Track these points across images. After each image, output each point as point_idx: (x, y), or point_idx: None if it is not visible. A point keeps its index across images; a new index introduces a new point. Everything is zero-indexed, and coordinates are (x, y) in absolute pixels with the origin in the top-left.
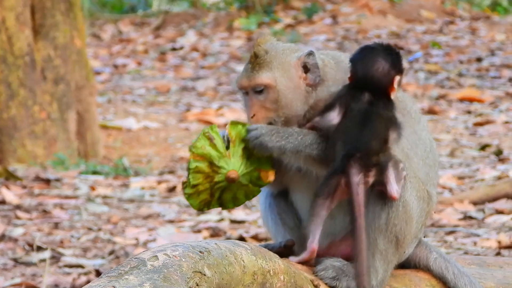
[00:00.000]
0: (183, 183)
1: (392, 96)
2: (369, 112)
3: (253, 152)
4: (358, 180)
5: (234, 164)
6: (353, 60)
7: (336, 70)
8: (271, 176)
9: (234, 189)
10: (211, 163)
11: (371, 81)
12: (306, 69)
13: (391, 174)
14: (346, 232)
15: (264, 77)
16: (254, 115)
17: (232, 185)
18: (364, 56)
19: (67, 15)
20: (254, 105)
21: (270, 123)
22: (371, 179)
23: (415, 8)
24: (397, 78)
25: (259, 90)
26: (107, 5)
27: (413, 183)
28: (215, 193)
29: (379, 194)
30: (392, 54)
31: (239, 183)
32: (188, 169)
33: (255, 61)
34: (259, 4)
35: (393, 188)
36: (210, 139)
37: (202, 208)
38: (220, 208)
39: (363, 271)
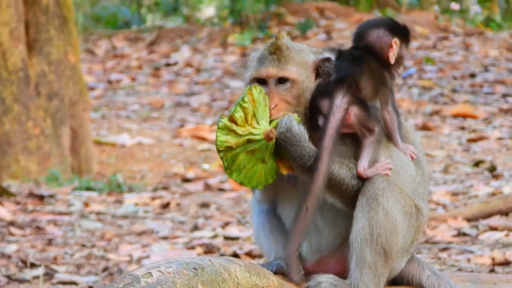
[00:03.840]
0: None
1: (391, 59)
2: (363, 57)
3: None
4: (340, 103)
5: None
6: (357, 27)
7: None
8: (287, 169)
9: (259, 164)
10: (252, 115)
11: (369, 42)
12: (317, 72)
13: (365, 150)
14: (333, 248)
15: (292, 71)
16: (275, 106)
17: (259, 154)
18: (365, 21)
19: (61, 30)
20: (276, 97)
21: None
22: (352, 114)
23: (409, 23)
24: (396, 40)
25: (284, 82)
26: (101, 21)
27: (397, 197)
28: (258, 159)
29: (361, 204)
30: (393, 21)
31: (265, 155)
32: (240, 100)
33: (280, 54)
34: (253, 20)
35: (361, 164)
36: (228, 129)
37: (253, 182)
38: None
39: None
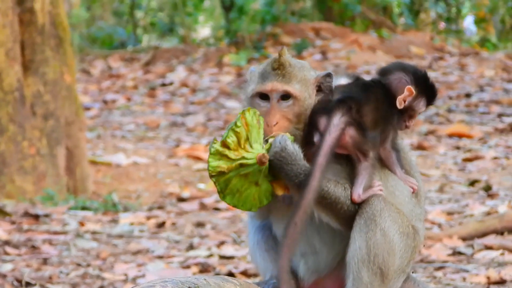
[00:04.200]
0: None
1: (398, 102)
2: (373, 87)
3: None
4: (337, 122)
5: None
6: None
7: None
8: (282, 190)
9: (253, 187)
10: (245, 139)
11: (389, 79)
12: (319, 88)
13: (360, 176)
14: (332, 268)
15: (296, 87)
16: (277, 123)
17: (252, 178)
18: (399, 62)
19: (57, 50)
20: (277, 113)
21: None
22: (348, 135)
23: (405, 44)
24: (411, 88)
25: (287, 98)
26: (97, 41)
27: (394, 217)
28: (250, 181)
29: (358, 225)
30: (423, 74)
31: (258, 178)
32: (233, 125)
33: (284, 70)
34: (249, 40)
35: (356, 190)
36: (220, 154)
37: (245, 205)
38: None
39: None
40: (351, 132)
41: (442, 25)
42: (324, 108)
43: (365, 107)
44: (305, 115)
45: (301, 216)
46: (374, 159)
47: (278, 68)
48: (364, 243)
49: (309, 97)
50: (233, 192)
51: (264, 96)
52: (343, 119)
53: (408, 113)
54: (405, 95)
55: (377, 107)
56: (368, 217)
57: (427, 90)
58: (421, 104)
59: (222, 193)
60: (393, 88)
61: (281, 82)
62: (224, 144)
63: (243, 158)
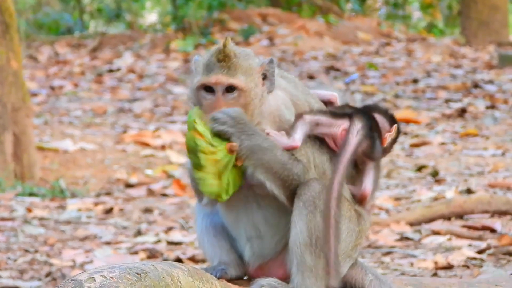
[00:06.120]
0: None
1: (384, 142)
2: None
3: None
4: (357, 131)
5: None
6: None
7: (287, 82)
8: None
9: (233, 170)
10: (208, 143)
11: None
12: (264, 76)
13: (369, 173)
14: (276, 252)
15: (241, 80)
16: None
17: (231, 165)
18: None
19: (3, 36)
20: (222, 106)
21: None
22: (363, 145)
23: (352, 30)
24: (396, 128)
25: (232, 90)
26: (43, 27)
27: None
28: (221, 174)
29: (298, 208)
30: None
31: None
32: (195, 151)
33: (229, 62)
34: (196, 26)
35: (367, 185)
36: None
37: (212, 192)
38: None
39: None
40: (364, 143)
41: (381, 10)
42: (341, 114)
43: (374, 124)
44: (252, 105)
45: (332, 218)
46: (379, 160)
47: (224, 60)
48: (304, 226)
49: (255, 87)
50: (231, 184)
51: (209, 89)
52: (360, 129)
53: (384, 151)
54: (392, 134)
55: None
56: (306, 199)
57: (398, 130)
58: (392, 142)
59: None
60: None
61: (226, 75)
62: (202, 167)
63: (218, 161)
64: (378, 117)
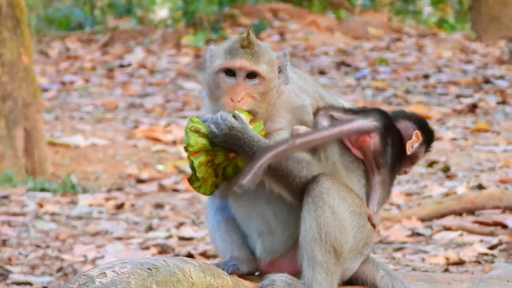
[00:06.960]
0: (189, 179)
1: (408, 150)
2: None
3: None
4: (369, 123)
5: None
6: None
7: (298, 76)
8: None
9: (233, 161)
10: (208, 151)
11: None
12: (279, 69)
13: (374, 192)
14: (286, 248)
15: (263, 68)
16: (242, 99)
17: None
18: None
19: (14, 32)
20: (243, 90)
21: (250, 111)
22: (372, 141)
23: (362, 25)
24: (418, 133)
25: (253, 77)
26: (54, 22)
27: (343, 195)
28: (219, 172)
29: (307, 204)
30: (420, 119)
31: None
32: (192, 167)
33: (252, 49)
34: (207, 21)
35: (371, 205)
36: (197, 131)
37: (213, 191)
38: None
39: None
40: (376, 139)
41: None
42: (359, 111)
43: (391, 135)
44: (270, 95)
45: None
46: (386, 174)
47: (248, 47)
48: (314, 221)
49: (274, 78)
50: (231, 174)
51: (230, 72)
52: (375, 123)
53: (411, 159)
54: (414, 140)
55: (393, 144)
56: (315, 195)
57: (429, 136)
58: (423, 150)
59: (228, 179)
60: (401, 135)
61: (250, 61)
62: (201, 178)
63: (217, 164)
64: (403, 123)
